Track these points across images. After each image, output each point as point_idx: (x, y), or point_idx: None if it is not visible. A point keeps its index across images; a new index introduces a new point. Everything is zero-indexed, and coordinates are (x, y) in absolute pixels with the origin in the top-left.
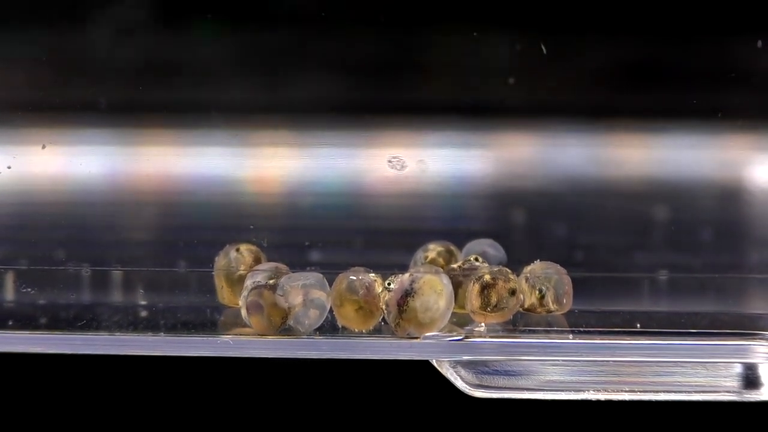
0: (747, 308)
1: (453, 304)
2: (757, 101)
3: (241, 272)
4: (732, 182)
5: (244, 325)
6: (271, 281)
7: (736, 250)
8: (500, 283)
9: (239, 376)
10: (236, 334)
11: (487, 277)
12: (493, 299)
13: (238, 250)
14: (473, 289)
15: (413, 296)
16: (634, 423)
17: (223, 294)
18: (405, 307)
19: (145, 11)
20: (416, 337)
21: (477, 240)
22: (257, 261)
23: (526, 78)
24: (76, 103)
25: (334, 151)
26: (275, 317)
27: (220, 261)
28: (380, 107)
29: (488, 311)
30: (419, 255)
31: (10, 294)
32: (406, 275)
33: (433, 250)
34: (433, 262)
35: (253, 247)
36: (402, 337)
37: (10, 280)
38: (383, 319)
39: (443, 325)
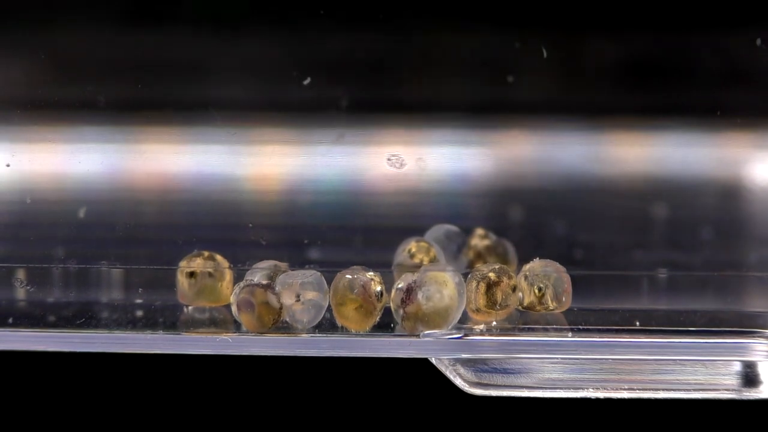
0: (746, 306)
1: (462, 295)
2: (756, 99)
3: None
4: (731, 180)
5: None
6: (266, 281)
7: (735, 248)
8: (504, 280)
9: (238, 374)
10: (236, 333)
11: (492, 275)
12: (499, 297)
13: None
14: (479, 288)
15: (417, 289)
16: (633, 421)
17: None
18: (409, 301)
19: (144, 8)
20: (416, 335)
21: (438, 225)
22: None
23: (525, 76)
24: (75, 101)
25: (333, 149)
26: (266, 316)
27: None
28: (379, 105)
29: (497, 309)
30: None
31: (9, 292)
32: (414, 274)
33: (414, 246)
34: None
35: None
36: (409, 333)
37: (8, 278)
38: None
39: (455, 317)
